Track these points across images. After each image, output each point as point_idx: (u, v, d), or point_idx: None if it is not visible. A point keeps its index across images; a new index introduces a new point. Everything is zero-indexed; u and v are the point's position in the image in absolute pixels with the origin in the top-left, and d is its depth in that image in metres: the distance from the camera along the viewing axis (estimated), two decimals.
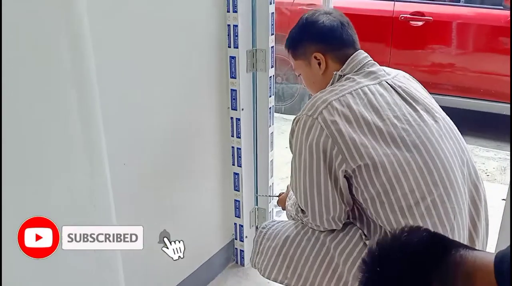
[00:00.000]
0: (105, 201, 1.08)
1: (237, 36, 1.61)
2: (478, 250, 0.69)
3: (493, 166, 2.91)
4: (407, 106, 1.23)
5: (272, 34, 1.69)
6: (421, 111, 1.23)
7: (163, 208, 1.54)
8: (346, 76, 1.28)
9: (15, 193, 0.99)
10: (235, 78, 1.67)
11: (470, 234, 1.27)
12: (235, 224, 1.90)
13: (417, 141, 1.17)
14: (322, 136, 1.17)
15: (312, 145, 1.18)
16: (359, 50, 1.31)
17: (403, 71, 1.36)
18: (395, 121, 1.18)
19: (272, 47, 1.71)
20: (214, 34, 1.60)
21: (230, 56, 1.65)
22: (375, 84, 1.24)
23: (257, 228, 1.95)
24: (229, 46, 1.64)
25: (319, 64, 1.31)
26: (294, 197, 1.51)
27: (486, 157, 3.06)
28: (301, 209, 1.31)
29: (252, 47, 1.69)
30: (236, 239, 1.92)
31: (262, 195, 1.90)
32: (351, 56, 1.29)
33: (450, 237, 1.24)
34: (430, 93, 1.39)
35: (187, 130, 1.58)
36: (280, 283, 1.35)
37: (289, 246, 1.33)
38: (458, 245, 0.68)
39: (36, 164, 1.04)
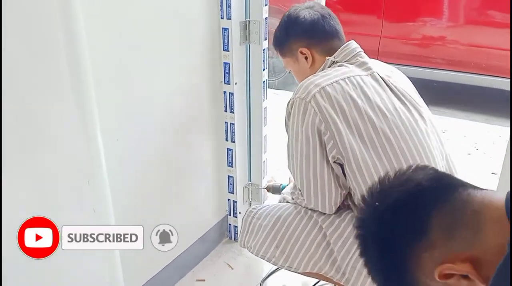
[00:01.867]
0: (100, 178, 1.05)
1: (229, 6, 1.55)
2: (487, 189, 0.64)
3: (482, 140, 2.93)
4: (396, 100, 1.25)
5: (265, 5, 1.63)
6: (410, 107, 1.25)
7: (156, 183, 1.51)
8: (339, 63, 1.29)
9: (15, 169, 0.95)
10: (228, 51, 1.61)
11: None
12: (228, 199, 1.88)
13: (406, 135, 1.20)
14: (316, 120, 1.18)
15: (308, 128, 1.20)
16: (351, 40, 1.33)
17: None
18: (386, 112, 1.20)
19: (266, 18, 1.66)
20: (206, 4, 1.53)
21: (222, 28, 1.59)
22: (367, 75, 1.26)
23: (250, 204, 1.93)
24: (222, 17, 1.58)
25: (306, 58, 1.34)
26: (290, 185, 1.51)
27: (475, 131, 3.07)
28: (299, 188, 1.31)
29: (245, 18, 1.64)
30: (229, 215, 1.91)
31: (260, 187, 1.90)
32: (344, 45, 1.32)
33: None
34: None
35: (178, 106, 1.53)
36: (268, 260, 1.37)
37: (280, 225, 1.34)
38: (466, 185, 0.64)
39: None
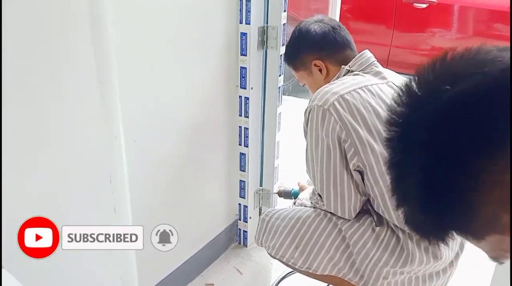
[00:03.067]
0: (121, 178, 1.05)
1: (249, 11, 1.55)
2: None
3: None
4: None
5: (284, 11, 1.64)
6: None
7: (168, 186, 1.51)
8: (354, 72, 1.31)
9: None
10: (246, 55, 1.61)
11: None
12: (239, 204, 1.87)
13: None
14: (336, 128, 1.18)
15: (329, 136, 1.20)
16: (365, 50, 1.35)
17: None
18: None
19: (284, 24, 1.66)
20: (225, 8, 1.54)
21: (241, 33, 1.59)
22: (383, 83, 1.27)
23: (260, 209, 1.93)
24: (241, 22, 1.58)
25: (320, 70, 1.36)
26: (307, 191, 1.51)
27: None
28: (318, 194, 1.32)
29: (264, 23, 1.64)
30: (240, 220, 1.90)
31: (272, 192, 1.90)
32: (359, 54, 1.34)
33: None
34: None
35: (193, 109, 1.53)
36: (286, 261, 1.37)
37: (300, 226, 1.34)
38: None
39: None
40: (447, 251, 1.28)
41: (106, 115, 1.00)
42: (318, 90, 1.26)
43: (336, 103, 1.19)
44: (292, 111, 2.70)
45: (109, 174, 1.02)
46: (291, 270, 1.64)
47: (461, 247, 1.34)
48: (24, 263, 0.95)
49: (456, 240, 1.29)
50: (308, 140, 1.27)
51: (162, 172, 1.46)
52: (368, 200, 1.26)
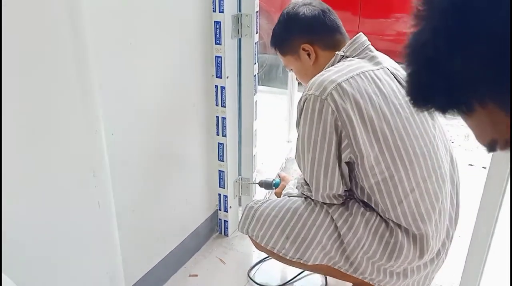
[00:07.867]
0: (104, 172, 1.02)
1: None
2: None
3: (456, 133, 3.03)
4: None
5: None
6: None
7: (148, 180, 1.48)
8: (349, 58, 1.27)
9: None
10: (220, 44, 1.60)
11: (450, 215, 1.33)
12: (219, 194, 1.87)
13: (417, 132, 1.21)
14: (333, 119, 1.16)
15: (326, 127, 1.17)
16: (360, 33, 1.31)
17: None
18: (400, 109, 1.20)
19: (257, 12, 1.65)
20: None
21: (215, 21, 1.57)
22: (379, 69, 1.24)
23: (240, 198, 1.93)
24: (214, 11, 1.56)
25: (309, 55, 1.32)
26: (292, 182, 1.51)
27: (449, 124, 3.17)
28: (306, 182, 1.32)
29: (237, 11, 1.63)
30: (220, 210, 1.90)
31: (253, 183, 1.90)
32: (354, 38, 1.30)
33: (437, 220, 1.26)
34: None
35: (169, 100, 1.50)
36: (277, 252, 1.34)
37: (291, 216, 1.31)
38: None
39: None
40: (434, 240, 1.27)
41: (86, 110, 0.97)
42: (314, 78, 1.21)
43: (333, 92, 1.15)
44: (265, 100, 2.71)
45: (92, 168, 0.99)
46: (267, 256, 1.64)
47: (448, 235, 1.33)
48: (13, 261, 0.92)
49: (442, 228, 1.29)
50: (301, 130, 1.24)
51: (140, 165, 1.44)
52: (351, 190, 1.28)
